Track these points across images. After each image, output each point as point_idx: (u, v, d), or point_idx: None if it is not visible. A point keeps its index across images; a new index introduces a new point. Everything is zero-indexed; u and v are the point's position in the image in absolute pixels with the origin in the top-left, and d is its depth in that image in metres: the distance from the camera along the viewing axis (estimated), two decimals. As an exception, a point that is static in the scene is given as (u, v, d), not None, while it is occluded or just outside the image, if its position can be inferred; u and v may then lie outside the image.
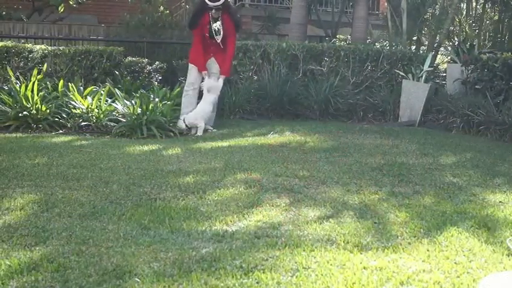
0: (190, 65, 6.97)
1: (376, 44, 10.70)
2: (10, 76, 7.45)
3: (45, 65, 8.16)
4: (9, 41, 8.89)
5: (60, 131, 6.47)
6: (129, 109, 6.56)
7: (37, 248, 2.72)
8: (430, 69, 8.32)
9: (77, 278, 2.39)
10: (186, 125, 6.54)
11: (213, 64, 6.94)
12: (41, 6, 13.25)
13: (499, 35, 10.68)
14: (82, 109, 6.69)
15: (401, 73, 8.33)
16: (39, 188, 3.84)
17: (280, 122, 7.65)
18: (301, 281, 2.40)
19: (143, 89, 7.76)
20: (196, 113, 6.62)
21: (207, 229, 3.07)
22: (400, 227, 3.15)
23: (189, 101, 6.86)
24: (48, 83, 7.47)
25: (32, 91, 6.69)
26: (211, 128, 6.77)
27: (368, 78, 8.50)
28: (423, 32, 11.18)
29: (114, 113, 6.64)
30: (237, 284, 2.36)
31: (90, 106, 6.69)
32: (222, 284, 2.36)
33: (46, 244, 2.79)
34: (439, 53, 10.89)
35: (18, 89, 6.74)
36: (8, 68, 7.70)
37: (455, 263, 2.63)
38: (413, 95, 7.96)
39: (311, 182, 4.16)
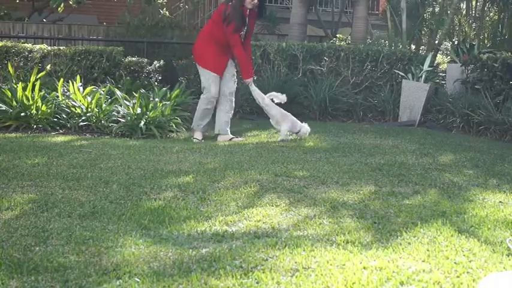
0: (212, 74, 6.14)
1: (376, 43, 10.70)
2: (12, 75, 7.44)
3: (49, 65, 8.16)
4: (8, 41, 8.89)
5: (60, 131, 6.47)
6: (129, 109, 6.56)
7: (37, 248, 2.72)
8: (430, 69, 8.32)
9: (77, 278, 2.39)
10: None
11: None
12: (41, 6, 13.24)
13: (498, 35, 10.68)
14: (82, 109, 6.69)
15: (401, 73, 8.33)
16: (39, 188, 3.83)
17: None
18: (301, 281, 2.40)
19: (143, 89, 7.76)
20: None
21: (207, 229, 3.07)
22: (400, 227, 3.14)
23: (209, 113, 6.29)
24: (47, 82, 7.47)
25: (32, 91, 6.69)
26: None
27: (368, 78, 8.50)
28: (423, 31, 11.18)
29: (114, 112, 6.64)
30: (236, 284, 2.36)
31: (90, 106, 6.69)
32: (222, 284, 2.36)
33: (46, 244, 2.78)
34: (439, 53, 10.89)
35: (19, 88, 6.74)
36: (11, 67, 7.70)
37: (455, 263, 2.63)
38: (413, 95, 7.96)
39: (311, 182, 4.16)
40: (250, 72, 6.23)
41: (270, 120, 6.26)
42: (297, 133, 6.09)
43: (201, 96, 6.31)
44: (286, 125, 6.04)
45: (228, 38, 6.05)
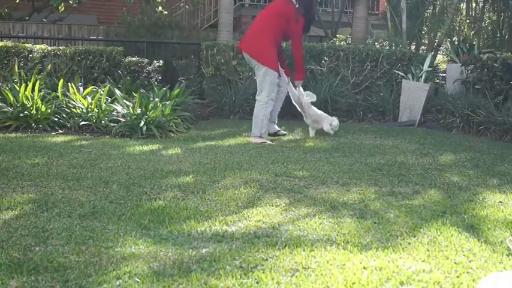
0: (275, 72, 5.95)
1: (376, 44, 10.71)
2: (15, 75, 7.44)
3: (50, 66, 8.17)
4: (9, 41, 8.89)
5: (60, 131, 6.47)
6: (129, 109, 6.56)
7: (37, 248, 2.72)
8: (430, 69, 8.32)
9: (77, 278, 2.39)
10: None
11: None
12: (41, 6, 13.25)
13: (498, 35, 10.69)
14: (82, 109, 6.69)
15: (401, 73, 8.33)
16: (39, 188, 3.83)
17: (279, 122, 7.64)
18: (301, 281, 2.40)
19: (143, 89, 7.76)
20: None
21: (207, 229, 3.07)
22: (400, 227, 3.14)
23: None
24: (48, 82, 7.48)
25: (32, 91, 6.69)
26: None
27: (368, 78, 8.50)
28: (423, 32, 11.19)
29: (114, 112, 6.65)
30: (236, 284, 2.36)
31: (90, 106, 6.69)
32: (221, 284, 2.36)
33: (46, 244, 2.78)
34: (439, 53, 10.90)
35: (19, 88, 6.74)
36: (16, 68, 7.70)
37: (455, 263, 2.63)
38: (413, 95, 7.96)
39: (311, 182, 4.16)
40: (305, 73, 6.57)
41: (305, 118, 6.54)
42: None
43: (260, 98, 5.99)
44: (327, 123, 6.42)
45: (293, 40, 6.10)
